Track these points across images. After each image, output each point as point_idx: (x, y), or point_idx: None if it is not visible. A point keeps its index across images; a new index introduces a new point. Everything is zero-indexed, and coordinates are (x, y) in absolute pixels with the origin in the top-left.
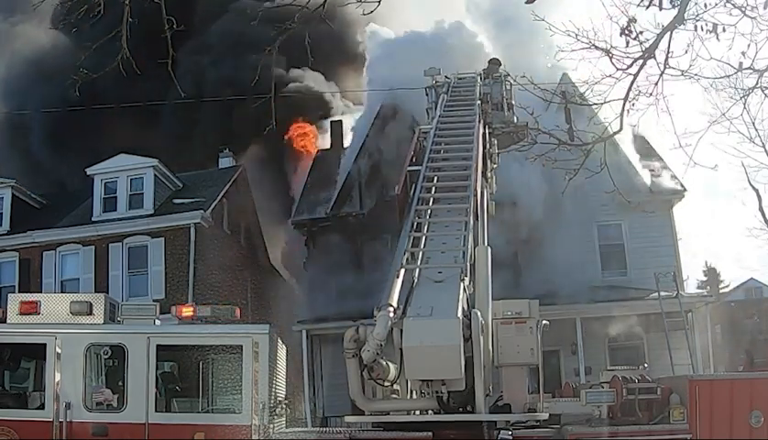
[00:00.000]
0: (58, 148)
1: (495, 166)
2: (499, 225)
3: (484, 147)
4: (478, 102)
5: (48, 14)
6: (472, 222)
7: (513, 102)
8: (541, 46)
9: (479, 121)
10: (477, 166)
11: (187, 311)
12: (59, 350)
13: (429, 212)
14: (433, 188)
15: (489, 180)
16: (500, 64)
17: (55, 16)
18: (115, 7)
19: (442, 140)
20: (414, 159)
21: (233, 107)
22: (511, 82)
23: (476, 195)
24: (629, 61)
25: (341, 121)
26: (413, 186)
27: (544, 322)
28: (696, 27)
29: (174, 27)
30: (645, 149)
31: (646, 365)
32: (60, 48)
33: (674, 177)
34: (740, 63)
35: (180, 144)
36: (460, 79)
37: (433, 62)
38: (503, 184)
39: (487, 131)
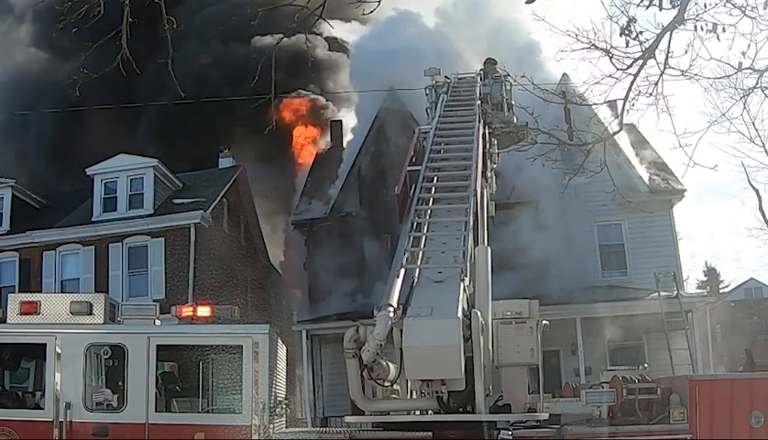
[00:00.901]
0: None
1: (495, 166)
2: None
3: (484, 147)
4: (478, 102)
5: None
6: (472, 222)
7: (513, 102)
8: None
9: (479, 121)
10: (476, 166)
11: (187, 311)
12: (59, 350)
13: (429, 212)
14: (433, 188)
15: (489, 180)
16: (496, 63)
17: (37, 34)
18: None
19: (442, 140)
20: (414, 159)
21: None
22: (511, 82)
23: (476, 195)
24: (629, 61)
25: (341, 121)
26: (413, 186)
27: (544, 322)
28: (696, 27)
29: (174, 26)
30: (644, 148)
31: (646, 365)
32: (43, 60)
33: (673, 177)
34: (740, 63)
35: (169, 142)
36: (460, 79)
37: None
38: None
39: (487, 131)
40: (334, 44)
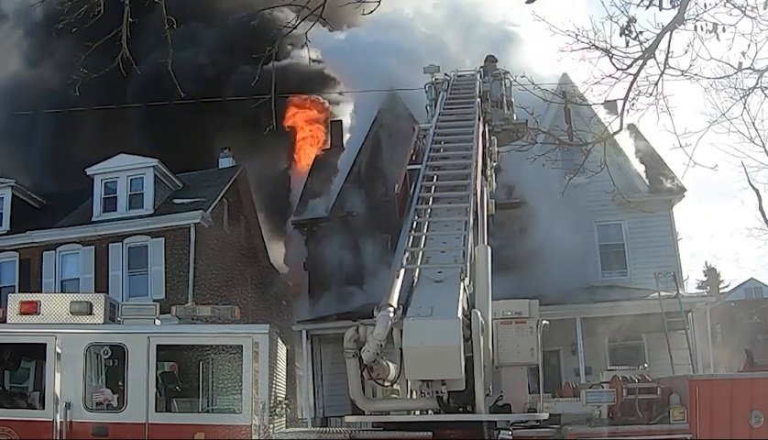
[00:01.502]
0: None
1: (495, 164)
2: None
3: (484, 145)
4: (478, 100)
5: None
6: (472, 221)
7: (513, 99)
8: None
9: (479, 119)
10: (476, 165)
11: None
12: (59, 350)
13: (429, 211)
14: (433, 187)
15: (489, 178)
16: (497, 61)
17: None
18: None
19: (441, 139)
20: (414, 158)
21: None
22: (511, 79)
23: (475, 194)
24: (629, 61)
25: (341, 121)
26: (413, 185)
27: (544, 322)
28: (696, 27)
29: (174, 26)
30: (644, 148)
31: (646, 365)
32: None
33: (673, 177)
34: (740, 63)
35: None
36: (459, 76)
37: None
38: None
39: (486, 129)
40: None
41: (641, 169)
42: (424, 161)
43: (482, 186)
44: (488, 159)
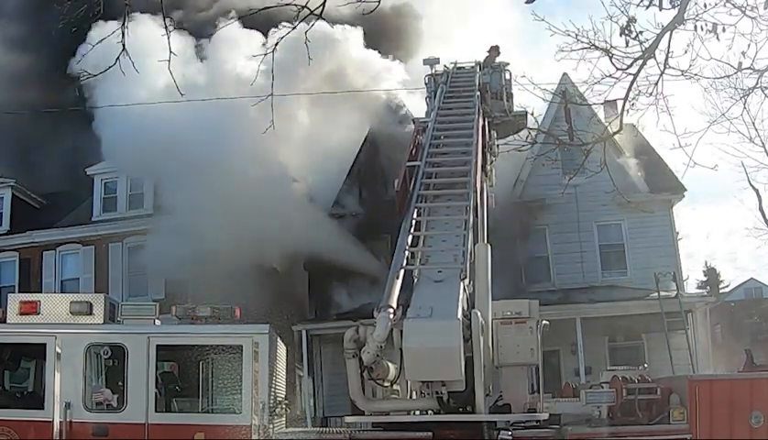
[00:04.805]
0: None
1: (495, 159)
2: None
3: (483, 140)
4: (477, 93)
5: None
6: (472, 219)
7: (512, 91)
8: None
9: (479, 113)
10: (476, 161)
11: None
12: (59, 350)
13: (428, 209)
14: (432, 184)
15: (489, 173)
16: (500, 52)
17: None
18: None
19: (441, 134)
20: (414, 153)
21: None
22: (510, 71)
23: (475, 191)
24: (629, 61)
25: None
26: (413, 181)
27: (544, 322)
28: (696, 27)
29: (174, 27)
30: (644, 148)
31: (646, 365)
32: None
33: (673, 177)
34: (740, 63)
35: None
36: (459, 68)
37: None
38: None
39: (486, 123)
40: None
41: (641, 169)
42: (424, 157)
43: (482, 182)
44: (488, 155)
